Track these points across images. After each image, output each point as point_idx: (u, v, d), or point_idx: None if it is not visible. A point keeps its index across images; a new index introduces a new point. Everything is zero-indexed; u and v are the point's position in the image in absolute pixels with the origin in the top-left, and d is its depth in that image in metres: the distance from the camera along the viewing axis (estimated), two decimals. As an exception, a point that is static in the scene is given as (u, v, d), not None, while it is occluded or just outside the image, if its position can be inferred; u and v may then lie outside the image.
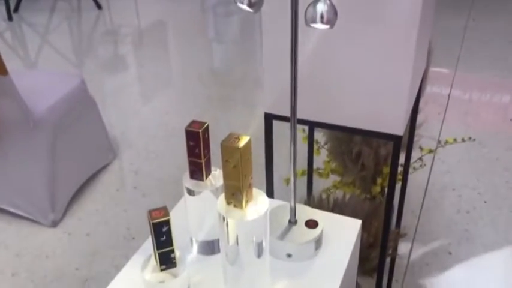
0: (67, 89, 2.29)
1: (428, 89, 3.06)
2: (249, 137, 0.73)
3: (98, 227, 2.26)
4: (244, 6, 0.83)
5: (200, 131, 0.83)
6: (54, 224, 2.25)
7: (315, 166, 1.83)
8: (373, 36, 1.03)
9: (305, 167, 1.80)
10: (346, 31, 1.05)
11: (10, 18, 4.42)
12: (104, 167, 2.60)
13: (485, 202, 2.33)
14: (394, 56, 1.04)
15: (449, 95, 3.17)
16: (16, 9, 4.53)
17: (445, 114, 2.97)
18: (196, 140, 0.83)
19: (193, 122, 0.86)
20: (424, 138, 1.91)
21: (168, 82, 3.63)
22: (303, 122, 1.19)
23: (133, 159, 2.70)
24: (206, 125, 0.86)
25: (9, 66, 1.92)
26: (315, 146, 1.78)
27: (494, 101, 3.17)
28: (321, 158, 1.86)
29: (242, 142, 0.71)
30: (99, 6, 4.63)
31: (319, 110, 1.17)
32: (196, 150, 0.84)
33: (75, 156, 2.38)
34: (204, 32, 4.48)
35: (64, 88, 2.29)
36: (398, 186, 1.60)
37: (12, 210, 2.26)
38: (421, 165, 1.84)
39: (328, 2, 0.77)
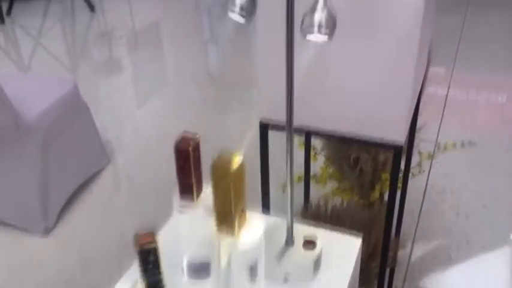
0: (59, 94, 2.25)
1: (425, 89, 3.03)
2: (241, 156, 0.68)
3: (91, 234, 2.22)
4: (236, 16, 0.79)
5: (190, 149, 0.78)
6: (47, 232, 2.20)
7: (312, 171, 1.79)
8: (373, 39, 0.99)
9: (301, 172, 1.76)
10: (345, 34, 1.00)
11: (2, 21, 4.36)
12: (98, 173, 2.56)
13: (484, 206, 2.29)
14: (395, 59, 0.99)
15: (446, 96, 3.13)
16: (9, 12, 4.47)
17: (442, 115, 2.94)
18: (186, 159, 0.79)
19: (184, 135, 0.81)
20: (423, 141, 1.87)
21: (162, 84, 3.58)
22: (299, 130, 1.14)
23: (127, 164, 2.65)
24: (197, 140, 0.81)
25: (1, 70, 1.88)
26: (312, 152, 1.74)
27: (492, 101, 3.14)
28: (317, 163, 1.82)
29: (235, 163, 0.66)
30: (92, 9, 4.57)
31: (316, 116, 1.13)
32: (186, 170, 0.80)
33: (68, 162, 2.34)
34: (200, 33, 4.43)
35: (56, 93, 2.25)
36: (398, 193, 1.57)
37: (3, 218, 2.22)
38: (419, 171, 1.80)
39: (326, 10, 0.72)
